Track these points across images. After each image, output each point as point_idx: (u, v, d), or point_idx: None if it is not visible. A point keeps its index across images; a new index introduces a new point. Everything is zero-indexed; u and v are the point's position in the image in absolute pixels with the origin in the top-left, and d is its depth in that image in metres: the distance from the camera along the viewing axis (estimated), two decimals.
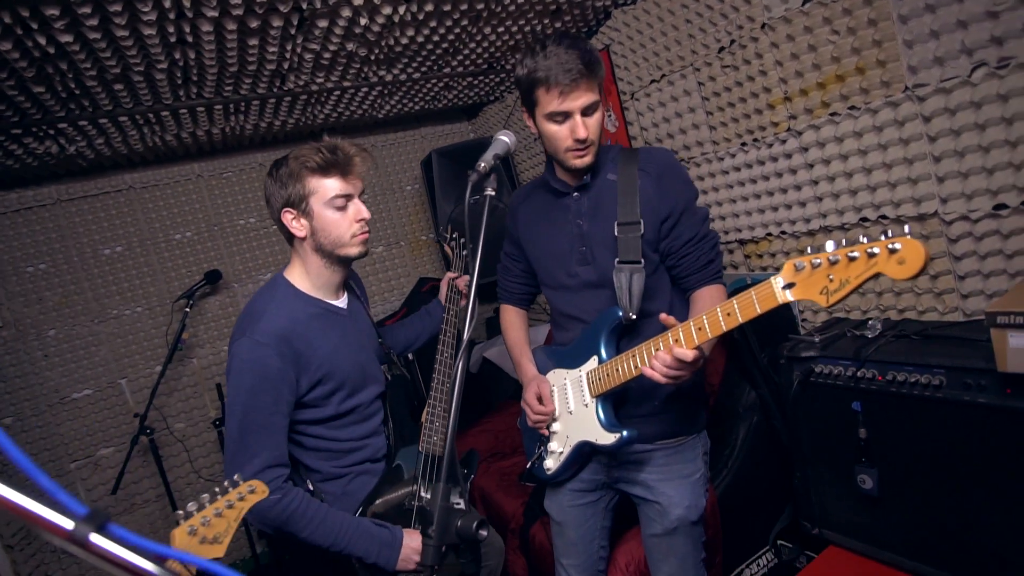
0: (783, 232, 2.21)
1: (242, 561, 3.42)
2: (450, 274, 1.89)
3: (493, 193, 1.28)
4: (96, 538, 0.46)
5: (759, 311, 1.09)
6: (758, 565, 2.12)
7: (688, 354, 1.17)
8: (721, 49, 2.19)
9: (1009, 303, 1.28)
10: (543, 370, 1.61)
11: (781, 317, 2.20)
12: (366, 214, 1.51)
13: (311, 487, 1.54)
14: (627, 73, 2.68)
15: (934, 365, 1.52)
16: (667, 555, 1.52)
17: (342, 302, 1.62)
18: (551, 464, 1.55)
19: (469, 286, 1.28)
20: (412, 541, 1.48)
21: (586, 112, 1.35)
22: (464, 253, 2.04)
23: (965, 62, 1.53)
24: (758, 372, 2.10)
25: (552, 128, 1.38)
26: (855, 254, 0.93)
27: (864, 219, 1.92)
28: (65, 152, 2.63)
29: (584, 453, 1.50)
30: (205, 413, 3.44)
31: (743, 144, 2.24)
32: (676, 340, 1.20)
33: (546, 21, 2.57)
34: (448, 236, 2.12)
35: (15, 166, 2.67)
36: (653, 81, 2.54)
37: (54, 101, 2.10)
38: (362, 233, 1.51)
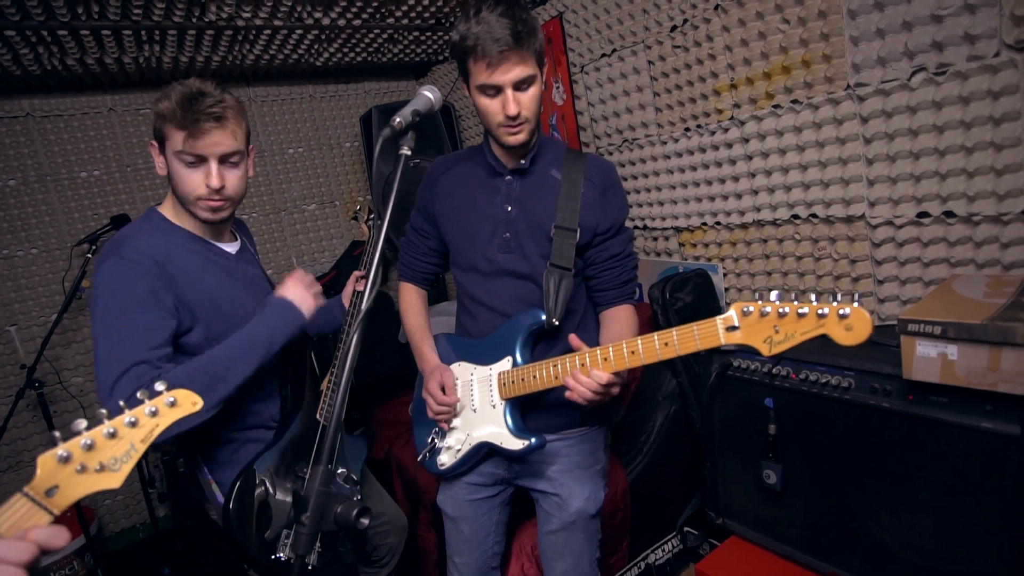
0: (718, 223, 2.19)
1: (141, 525, 3.24)
2: (357, 273, 1.71)
3: (408, 152, 1.18)
4: None
5: (699, 348, 1.09)
6: (663, 550, 2.15)
7: (611, 378, 1.17)
8: (673, 28, 2.11)
9: (921, 312, 1.28)
10: (446, 361, 1.54)
11: (706, 306, 2.20)
12: (215, 182, 1.29)
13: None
14: (579, 44, 2.57)
15: (845, 367, 1.53)
16: (562, 552, 1.48)
17: (230, 247, 1.46)
18: (445, 460, 1.48)
19: (371, 255, 1.16)
20: (290, 288, 1.40)
21: (519, 87, 1.25)
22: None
23: (906, 65, 1.51)
24: (679, 360, 2.09)
25: (484, 101, 1.29)
26: (804, 311, 0.94)
27: (796, 216, 1.91)
28: None
29: (483, 452, 1.45)
30: None
31: (686, 129, 2.19)
32: (606, 359, 1.18)
33: None
34: (366, 215, 1.94)
35: None
36: (604, 55, 2.45)
37: None
38: (210, 199, 1.31)
